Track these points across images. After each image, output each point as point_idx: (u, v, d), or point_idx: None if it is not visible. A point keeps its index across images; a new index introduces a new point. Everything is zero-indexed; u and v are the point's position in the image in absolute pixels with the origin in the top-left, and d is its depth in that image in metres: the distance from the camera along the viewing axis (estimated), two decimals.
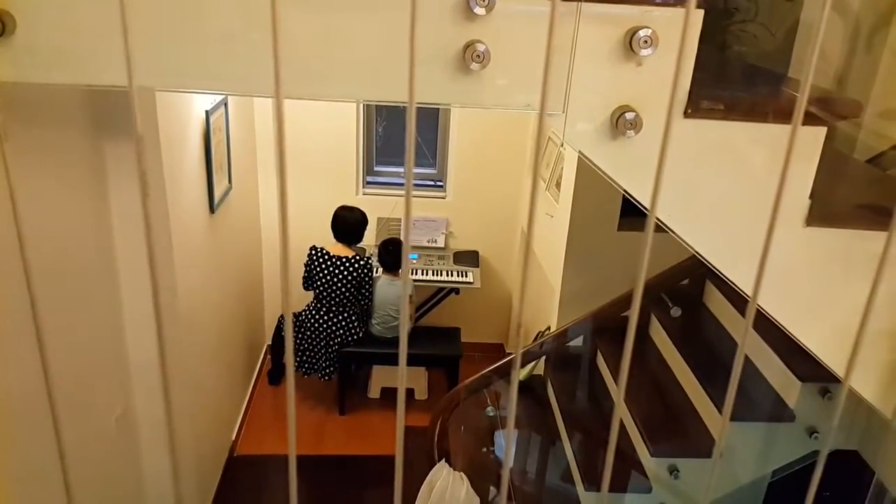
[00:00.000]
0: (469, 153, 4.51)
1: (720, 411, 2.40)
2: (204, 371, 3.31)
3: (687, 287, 3.05)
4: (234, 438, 3.97)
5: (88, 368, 2.15)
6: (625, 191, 1.25)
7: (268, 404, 4.35)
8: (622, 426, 2.82)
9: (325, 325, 4.04)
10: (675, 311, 2.89)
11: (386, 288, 4.07)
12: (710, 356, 2.72)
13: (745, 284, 1.28)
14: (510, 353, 3.25)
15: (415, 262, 4.46)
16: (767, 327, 1.46)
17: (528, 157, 4.40)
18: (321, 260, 3.93)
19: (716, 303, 2.98)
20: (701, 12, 1.20)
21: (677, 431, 2.59)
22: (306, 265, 4.01)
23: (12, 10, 1.13)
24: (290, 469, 0.48)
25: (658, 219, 1.27)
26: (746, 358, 2.62)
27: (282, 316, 4.26)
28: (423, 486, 2.80)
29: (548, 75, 0.44)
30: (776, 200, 0.48)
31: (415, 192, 4.66)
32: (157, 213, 2.50)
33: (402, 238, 0.56)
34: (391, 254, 4.01)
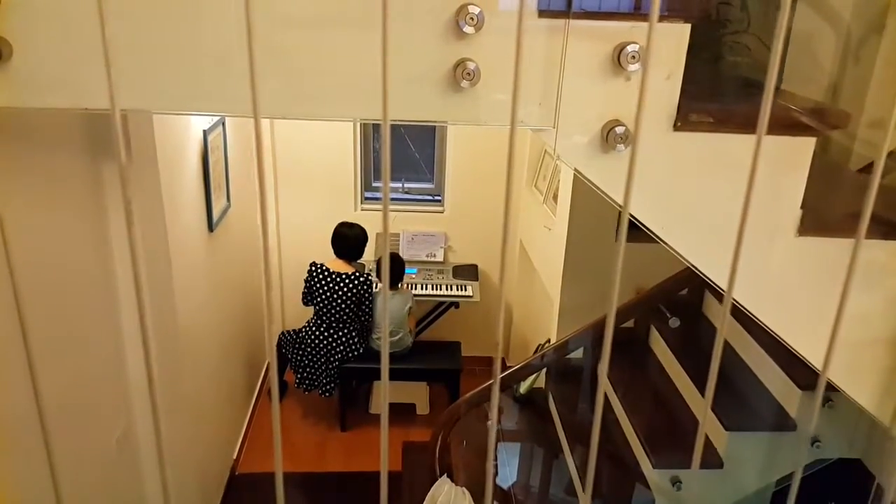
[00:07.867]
0: (466, 167, 4.53)
1: (721, 422, 2.40)
2: (205, 389, 3.31)
3: (686, 297, 3.05)
4: (235, 457, 3.96)
5: (89, 389, 2.15)
6: (617, 204, 1.25)
7: (269, 422, 4.31)
8: (624, 438, 2.81)
9: (325, 342, 4.03)
10: (674, 322, 2.89)
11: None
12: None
13: (738, 294, 1.28)
14: (511, 367, 3.24)
15: (414, 276, 4.47)
16: (767, 337, 1.46)
17: (525, 170, 4.41)
18: (321, 276, 3.94)
19: (715, 313, 2.97)
20: (688, 27, 1.22)
21: (679, 442, 2.58)
22: (306, 281, 4.02)
23: (8, 37, 1.15)
24: (276, 486, 0.48)
25: (650, 230, 1.28)
26: (748, 368, 2.61)
27: (282, 333, 4.26)
28: (424, 502, 2.79)
29: (517, 89, 0.45)
30: (744, 209, 0.49)
31: (413, 207, 4.70)
32: (156, 233, 2.51)
33: (386, 253, 0.57)
34: (390, 268, 4.02)
